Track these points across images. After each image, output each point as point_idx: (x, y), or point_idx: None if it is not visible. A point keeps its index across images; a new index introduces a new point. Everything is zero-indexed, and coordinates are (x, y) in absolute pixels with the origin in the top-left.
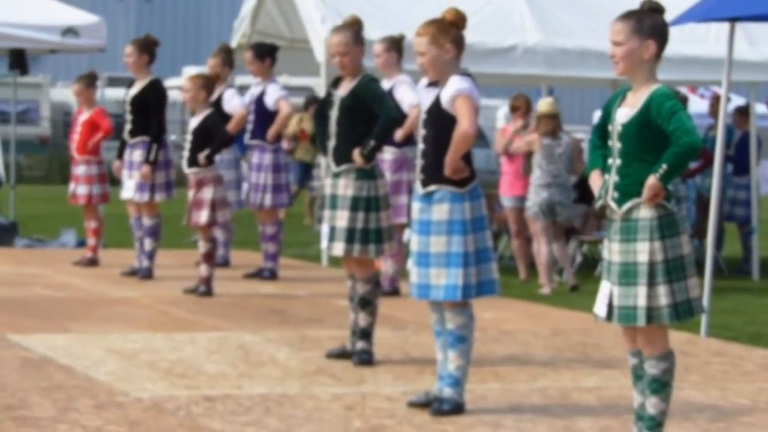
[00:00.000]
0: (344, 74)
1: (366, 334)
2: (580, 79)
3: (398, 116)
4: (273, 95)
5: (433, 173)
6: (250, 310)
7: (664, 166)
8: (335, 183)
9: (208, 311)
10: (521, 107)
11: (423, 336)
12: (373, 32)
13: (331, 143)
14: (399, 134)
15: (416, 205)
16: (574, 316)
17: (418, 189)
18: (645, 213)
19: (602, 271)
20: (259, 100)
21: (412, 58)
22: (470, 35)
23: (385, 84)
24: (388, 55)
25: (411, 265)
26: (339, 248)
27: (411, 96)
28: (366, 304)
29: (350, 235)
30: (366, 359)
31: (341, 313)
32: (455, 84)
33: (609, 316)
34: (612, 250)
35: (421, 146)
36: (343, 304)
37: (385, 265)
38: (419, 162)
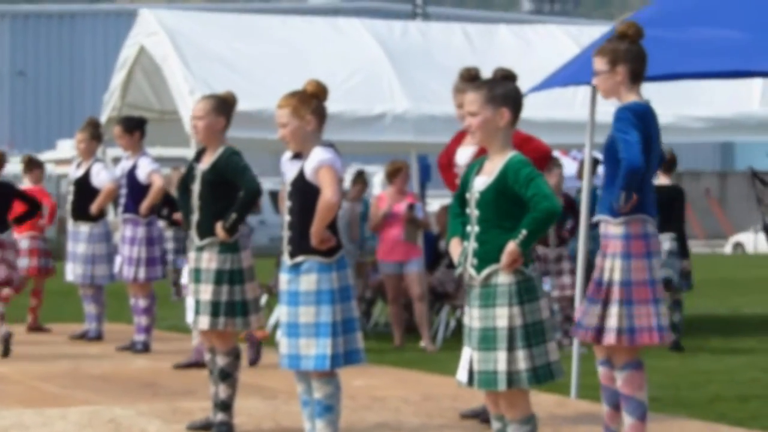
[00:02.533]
0: (199, 141)
1: (226, 406)
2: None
3: (259, 188)
4: (145, 169)
5: (299, 244)
6: (121, 383)
7: (524, 232)
8: (199, 257)
9: (79, 385)
10: (402, 171)
11: (293, 405)
12: (242, 103)
13: (195, 217)
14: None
15: (284, 277)
16: (445, 381)
17: (286, 260)
18: (503, 279)
19: (464, 337)
20: (131, 174)
21: (275, 128)
22: (339, 104)
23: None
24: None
25: (281, 335)
26: (204, 322)
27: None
28: (226, 376)
29: (215, 309)
30: (225, 431)
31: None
32: (318, 155)
33: (470, 381)
34: (472, 316)
35: (287, 218)
36: None
37: (197, 340)
38: (286, 234)
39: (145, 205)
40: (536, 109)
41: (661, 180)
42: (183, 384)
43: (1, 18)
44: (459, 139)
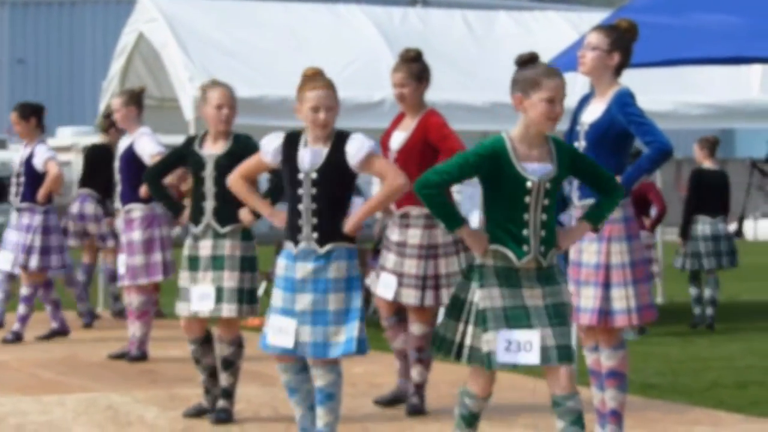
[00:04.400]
0: (218, 126)
1: (228, 393)
2: (458, 132)
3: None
4: (41, 156)
5: (330, 232)
6: (119, 370)
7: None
8: (219, 244)
9: (77, 372)
10: None
11: None
12: (242, 90)
13: (210, 204)
14: (143, 189)
15: (308, 266)
16: (444, 367)
17: (312, 248)
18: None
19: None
20: (28, 162)
21: (275, 115)
22: (339, 90)
23: (126, 140)
24: (126, 110)
25: (295, 323)
26: (231, 309)
27: (152, 146)
28: (229, 365)
29: (240, 296)
30: (224, 417)
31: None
32: (361, 142)
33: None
34: (534, 296)
35: (312, 205)
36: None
37: (133, 327)
38: (309, 221)
39: (42, 193)
40: None
41: (708, 164)
42: (180, 371)
43: (0, 6)
44: (397, 121)
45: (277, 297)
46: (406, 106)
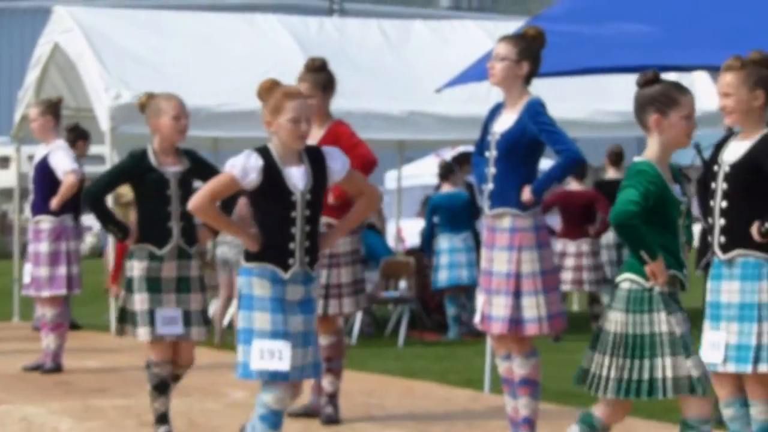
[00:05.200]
0: (171, 140)
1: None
2: (367, 141)
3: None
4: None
5: (316, 253)
6: (34, 382)
7: None
8: (185, 264)
9: None
10: None
11: (207, 403)
12: None
13: (177, 225)
14: (54, 202)
15: (300, 288)
16: (358, 376)
17: (306, 270)
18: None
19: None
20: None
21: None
22: (256, 100)
23: (42, 150)
24: (43, 120)
25: (290, 346)
26: (200, 333)
27: (66, 162)
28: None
29: (205, 318)
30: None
31: (128, 383)
32: (343, 157)
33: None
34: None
35: (306, 228)
36: (131, 374)
37: (47, 339)
38: (305, 243)
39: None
40: (451, 104)
41: (611, 173)
42: (95, 383)
43: None
44: None
45: (264, 320)
46: (313, 116)
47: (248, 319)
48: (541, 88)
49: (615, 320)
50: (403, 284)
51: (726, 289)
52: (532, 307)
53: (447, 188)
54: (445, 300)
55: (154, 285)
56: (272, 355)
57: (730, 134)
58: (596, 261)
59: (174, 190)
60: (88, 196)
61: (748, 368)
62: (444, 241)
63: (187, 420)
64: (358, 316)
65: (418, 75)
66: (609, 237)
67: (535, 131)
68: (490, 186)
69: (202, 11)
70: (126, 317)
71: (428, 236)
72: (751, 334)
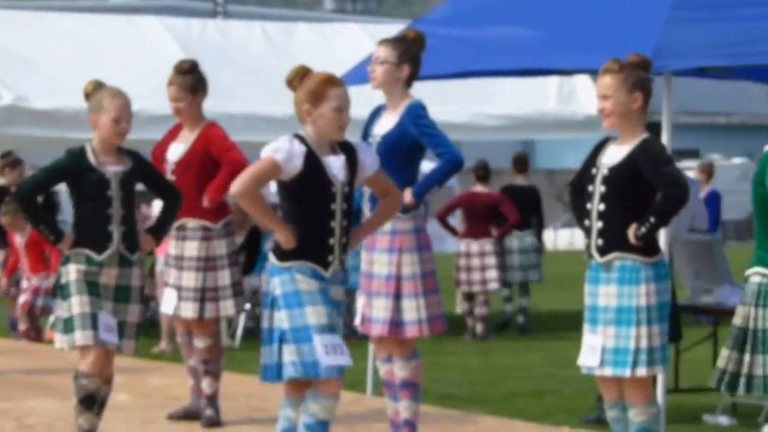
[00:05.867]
0: (110, 144)
1: None
2: (249, 143)
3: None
4: None
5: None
6: None
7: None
8: (125, 273)
9: None
10: None
11: None
12: (39, 101)
13: (118, 228)
14: None
15: (340, 289)
16: (240, 379)
17: (340, 269)
18: None
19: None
20: None
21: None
22: (137, 102)
23: None
24: None
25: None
26: (130, 347)
27: None
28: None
29: (137, 332)
30: None
31: (8, 385)
32: (375, 154)
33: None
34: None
35: (344, 222)
36: (13, 377)
37: None
38: (341, 240)
39: None
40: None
41: (518, 180)
42: None
43: None
44: (174, 133)
45: (320, 314)
46: (184, 118)
47: (299, 316)
48: (423, 90)
49: (743, 315)
50: None
51: (603, 292)
52: (412, 310)
53: None
54: None
55: (93, 288)
56: (335, 349)
57: (608, 137)
58: (499, 261)
59: (115, 191)
60: (20, 195)
61: (626, 372)
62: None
63: (66, 422)
64: (241, 319)
65: None
66: (513, 242)
67: (416, 134)
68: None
69: (84, 13)
70: (59, 325)
71: None
72: (629, 338)
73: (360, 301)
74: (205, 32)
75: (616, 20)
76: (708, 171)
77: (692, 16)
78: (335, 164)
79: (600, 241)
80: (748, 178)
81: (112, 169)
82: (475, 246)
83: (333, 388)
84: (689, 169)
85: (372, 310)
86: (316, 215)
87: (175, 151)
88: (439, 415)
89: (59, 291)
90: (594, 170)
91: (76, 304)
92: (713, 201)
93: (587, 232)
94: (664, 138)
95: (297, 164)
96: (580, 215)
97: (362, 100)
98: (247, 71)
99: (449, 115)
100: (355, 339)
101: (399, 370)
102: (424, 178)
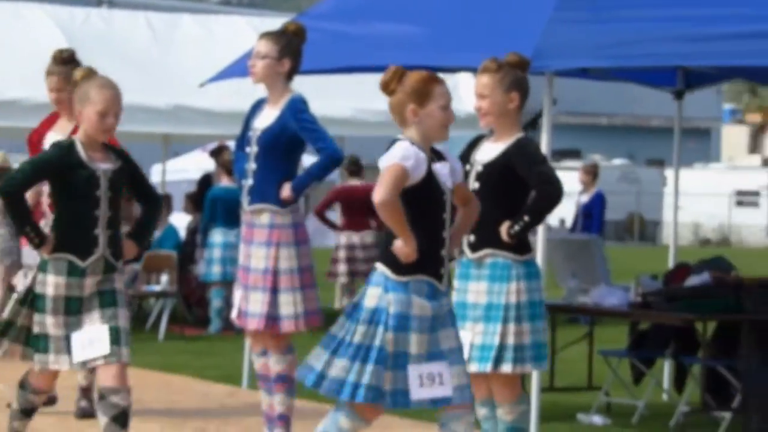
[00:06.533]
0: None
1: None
2: (132, 133)
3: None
4: None
5: None
6: None
7: None
8: (107, 278)
9: None
10: None
11: None
12: None
13: (104, 232)
14: None
15: (446, 302)
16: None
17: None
18: None
19: None
20: None
21: None
22: (18, 90)
23: None
24: None
25: (447, 366)
26: (127, 354)
27: None
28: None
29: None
30: None
31: None
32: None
33: None
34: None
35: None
36: None
37: None
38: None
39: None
40: (216, 99)
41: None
42: None
43: None
44: (51, 121)
45: (420, 342)
46: (63, 109)
47: (403, 342)
48: (305, 85)
49: None
50: (164, 278)
51: (474, 289)
52: (288, 304)
53: (226, 182)
54: (210, 292)
55: (73, 306)
56: (431, 380)
57: (482, 134)
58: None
59: (104, 191)
60: (6, 192)
61: (488, 367)
62: (218, 235)
63: None
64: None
65: (185, 69)
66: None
67: (296, 128)
68: (249, 182)
69: None
70: (27, 338)
71: (204, 228)
72: (495, 334)
73: (237, 295)
74: (89, 21)
75: (499, 19)
76: (593, 172)
77: (575, 17)
78: (443, 171)
79: (472, 238)
80: (628, 179)
81: (102, 166)
82: (356, 238)
83: (360, 412)
84: (570, 169)
85: (249, 303)
86: (431, 225)
87: (52, 141)
88: (313, 410)
89: (35, 299)
90: (468, 167)
91: (51, 326)
92: (598, 202)
93: None
94: (545, 138)
95: (422, 171)
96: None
97: (244, 93)
98: (130, 61)
99: (332, 110)
100: (231, 332)
101: (274, 364)
102: (303, 173)
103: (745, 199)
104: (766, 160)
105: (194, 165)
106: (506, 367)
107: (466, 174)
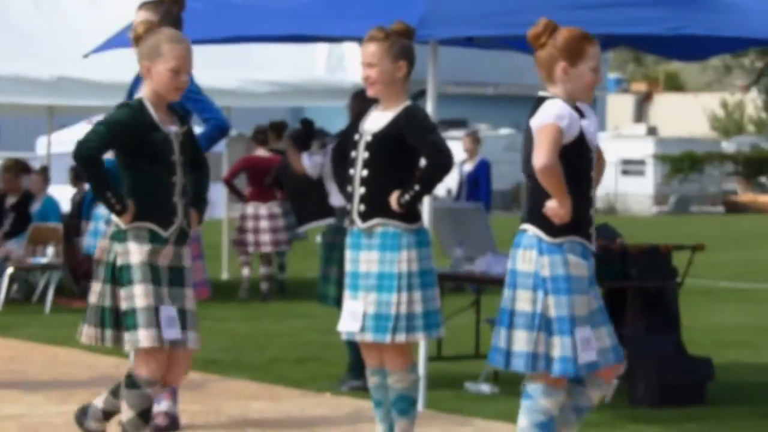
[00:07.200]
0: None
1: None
2: (16, 105)
3: None
4: None
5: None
6: None
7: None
8: (178, 252)
9: None
10: None
11: None
12: None
13: (181, 200)
14: None
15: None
16: (4, 343)
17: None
18: None
19: None
20: None
21: None
22: None
23: None
24: None
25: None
26: (196, 340)
27: None
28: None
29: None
30: None
31: None
32: None
33: None
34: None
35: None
36: None
37: None
38: None
39: None
40: (100, 70)
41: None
42: None
43: None
44: None
45: (584, 304)
46: None
47: (566, 306)
48: None
49: None
50: (50, 250)
51: (365, 258)
52: None
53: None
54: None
55: (156, 275)
56: (588, 344)
57: (368, 104)
58: (288, 221)
59: (178, 156)
60: (82, 156)
61: (386, 338)
62: (103, 207)
63: None
64: (4, 282)
65: (68, 39)
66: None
67: (183, 99)
68: None
69: None
70: (113, 319)
71: (91, 200)
72: (390, 304)
73: None
74: None
75: None
76: (477, 140)
77: None
78: (590, 129)
79: (362, 207)
80: (515, 149)
81: (173, 129)
82: (263, 209)
83: (560, 390)
84: (457, 138)
85: None
86: (582, 185)
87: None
88: (202, 381)
89: (117, 273)
90: (357, 136)
91: (141, 296)
92: (484, 170)
93: (350, 198)
94: (430, 107)
95: (575, 130)
96: (342, 181)
97: (129, 64)
98: (13, 32)
99: (218, 81)
100: None
101: None
102: None
103: (631, 168)
104: (651, 128)
105: (80, 137)
106: (400, 337)
107: (355, 143)
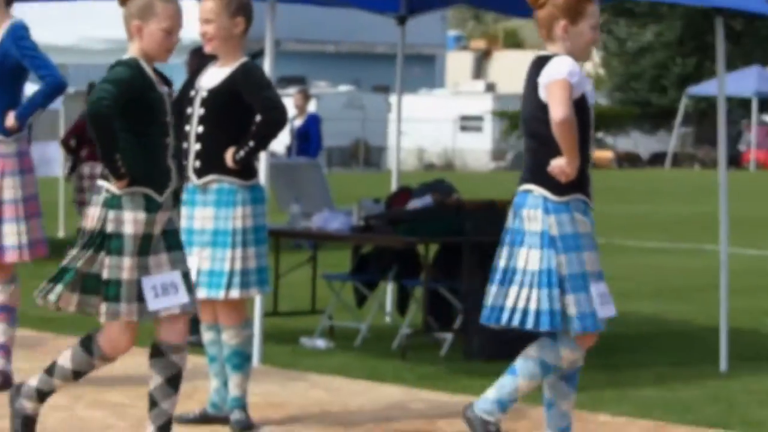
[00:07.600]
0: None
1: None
2: None
3: None
4: None
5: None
6: None
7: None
8: (174, 214)
9: None
10: None
11: None
12: None
13: (174, 163)
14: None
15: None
16: None
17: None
18: None
19: None
20: None
21: None
22: None
23: None
24: None
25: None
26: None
27: None
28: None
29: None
30: None
31: None
32: None
33: None
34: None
35: None
36: None
37: None
38: None
39: None
40: None
41: None
42: None
43: None
44: None
45: (594, 260)
46: None
47: (578, 263)
48: (29, 13)
49: None
50: None
51: (200, 215)
52: (12, 234)
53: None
54: None
55: (144, 245)
56: (603, 298)
57: (205, 60)
58: None
59: (169, 117)
60: (100, 114)
61: (220, 294)
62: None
63: None
64: None
65: None
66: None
67: (18, 56)
68: None
69: None
70: (84, 286)
71: None
72: (224, 260)
73: None
74: None
75: None
76: (306, 95)
77: None
78: (589, 87)
79: (197, 163)
80: (353, 106)
81: (165, 89)
82: (99, 168)
83: (590, 341)
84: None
85: None
86: (583, 143)
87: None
88: (37, 339)
89: (106, 240)
90: (193, 92)
91: (127, 269)
92: (314, 124)
93: (185, 154)
94: (267, 64)
95: (582, 88)
96: (178, 137)
97: None
98: None
99: (55, 38)
100: None
101: None
102: (27, 102)
103: (469, 124)
104: (489, 85)
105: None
106: (234, 293)
107: (191, 100)
